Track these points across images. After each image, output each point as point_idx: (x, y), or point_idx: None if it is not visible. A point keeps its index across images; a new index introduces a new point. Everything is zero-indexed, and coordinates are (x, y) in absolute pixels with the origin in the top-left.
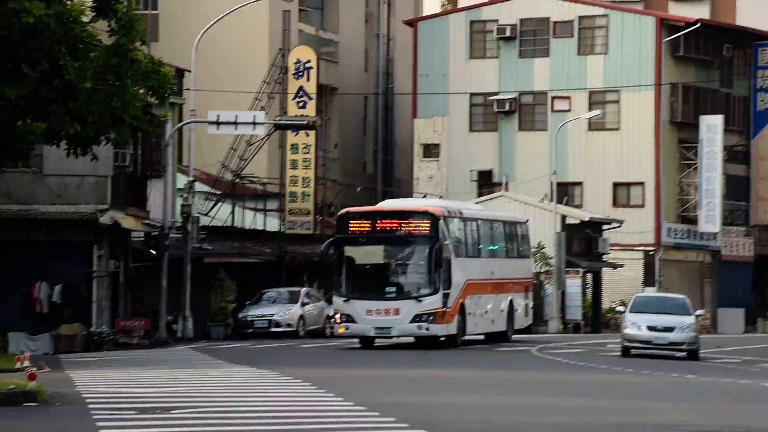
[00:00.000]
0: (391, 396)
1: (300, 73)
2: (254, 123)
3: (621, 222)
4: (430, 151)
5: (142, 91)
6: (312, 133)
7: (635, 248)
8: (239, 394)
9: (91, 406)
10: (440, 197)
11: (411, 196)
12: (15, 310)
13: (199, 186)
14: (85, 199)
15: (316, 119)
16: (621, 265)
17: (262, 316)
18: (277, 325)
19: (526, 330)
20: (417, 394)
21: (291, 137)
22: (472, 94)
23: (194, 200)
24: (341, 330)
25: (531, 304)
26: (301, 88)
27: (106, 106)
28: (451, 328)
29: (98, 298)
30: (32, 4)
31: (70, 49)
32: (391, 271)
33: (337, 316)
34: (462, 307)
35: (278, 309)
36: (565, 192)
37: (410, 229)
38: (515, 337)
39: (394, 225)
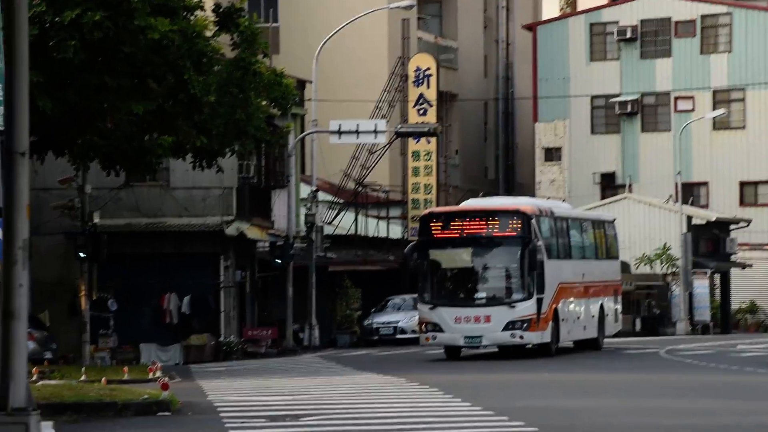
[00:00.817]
0: (519, 400)
1: (420, 81)
2: (375, 131)
3: (749, 221)
4: (552, 154)
5: (264, 102)
6: (433, 140)
7: (764, 247)
8: (368, 401)
9: (222, 414)
10: (563, 201)
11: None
12: (146, 321)
13: (322, 195)
14: (211, 211)
15: (437, 126)
16: (750, 265)
17: (387, 323)
18: (403, 331)
19: (652, 331)
20: (546, 397)
21: (412, 145)
22: (593, 97)
23: (317, 209)
24: (427, 340)
25: (620, 309)
26: (421, 96)
27: (230, 118)
28: (546, 335)
29: (226, 308)
30: (157, 21)
31: (194, 63)
32: (480, 276)
33: (423, 325)
34: (555, 312)
35: (403, 316)
36: (690, 192)
37: (501, 229)
38: (607, 341)
39: (483, 226)
